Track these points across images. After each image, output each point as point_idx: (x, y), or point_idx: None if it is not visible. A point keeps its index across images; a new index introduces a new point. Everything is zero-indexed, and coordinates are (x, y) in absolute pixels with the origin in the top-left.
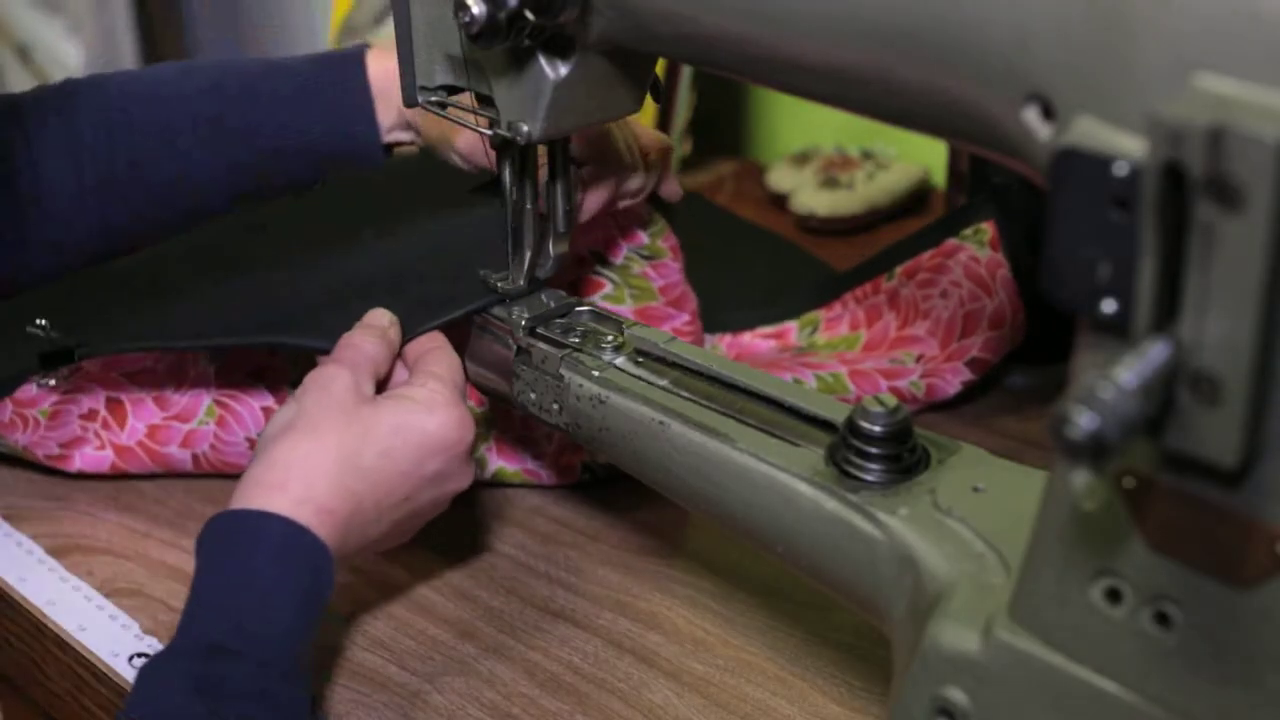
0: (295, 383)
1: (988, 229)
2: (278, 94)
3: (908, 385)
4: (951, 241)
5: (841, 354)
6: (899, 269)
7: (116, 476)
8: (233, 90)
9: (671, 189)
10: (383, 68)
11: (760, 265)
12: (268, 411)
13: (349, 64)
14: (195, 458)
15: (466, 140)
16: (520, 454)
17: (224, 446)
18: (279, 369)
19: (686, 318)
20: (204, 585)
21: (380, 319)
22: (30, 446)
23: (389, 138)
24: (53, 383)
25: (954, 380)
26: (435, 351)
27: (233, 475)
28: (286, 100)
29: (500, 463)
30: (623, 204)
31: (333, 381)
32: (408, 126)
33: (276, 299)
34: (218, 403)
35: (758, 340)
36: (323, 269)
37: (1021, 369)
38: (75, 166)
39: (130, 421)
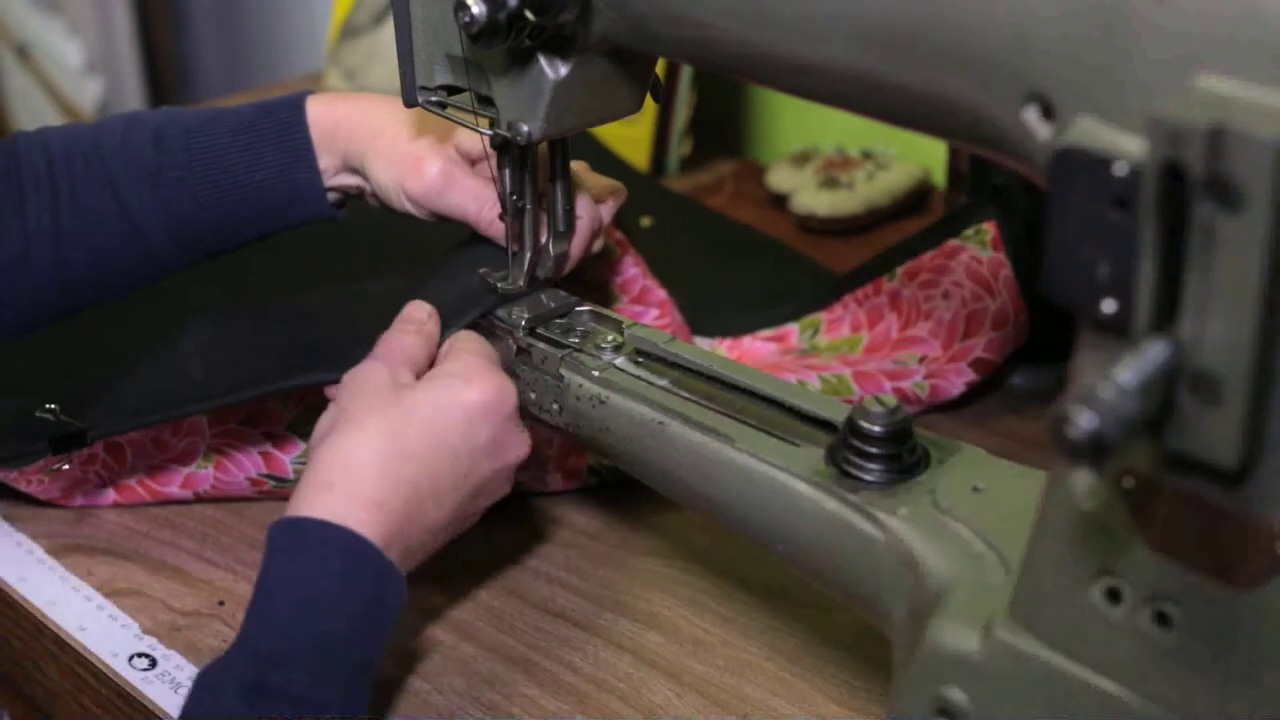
0: (291, 424)
1: (989, 229)
2: (218, 143)
3: (911, 386)
4: (953, 242)
5: (844, 355)
6: (900, 270)
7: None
8: (174, 140)
9: (599, 242)
10: (324, 113)
11: (758, 269)
12: (266, 456)
13: (287, 110)
14: (197, 495)
15: (422, 184)
16: (524, 465)
17: (225, 486)
18: (271, 413)
19: (655, 312)
20: (263, 591)
21: (418, 312)
22: (34, 493)
23: (332, 182)
24: (66, 466)
25: (958, 381)
26: (464, 336)
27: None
28: (226, 149)
29: None
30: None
31: (369, 377)
32: (354, 171)
33: (276, 341)
34: (214, 449)
35: (759, 343)
36: (317, 300)
37: (1023, 368)
38: (20, 221)
39: (130, 462)
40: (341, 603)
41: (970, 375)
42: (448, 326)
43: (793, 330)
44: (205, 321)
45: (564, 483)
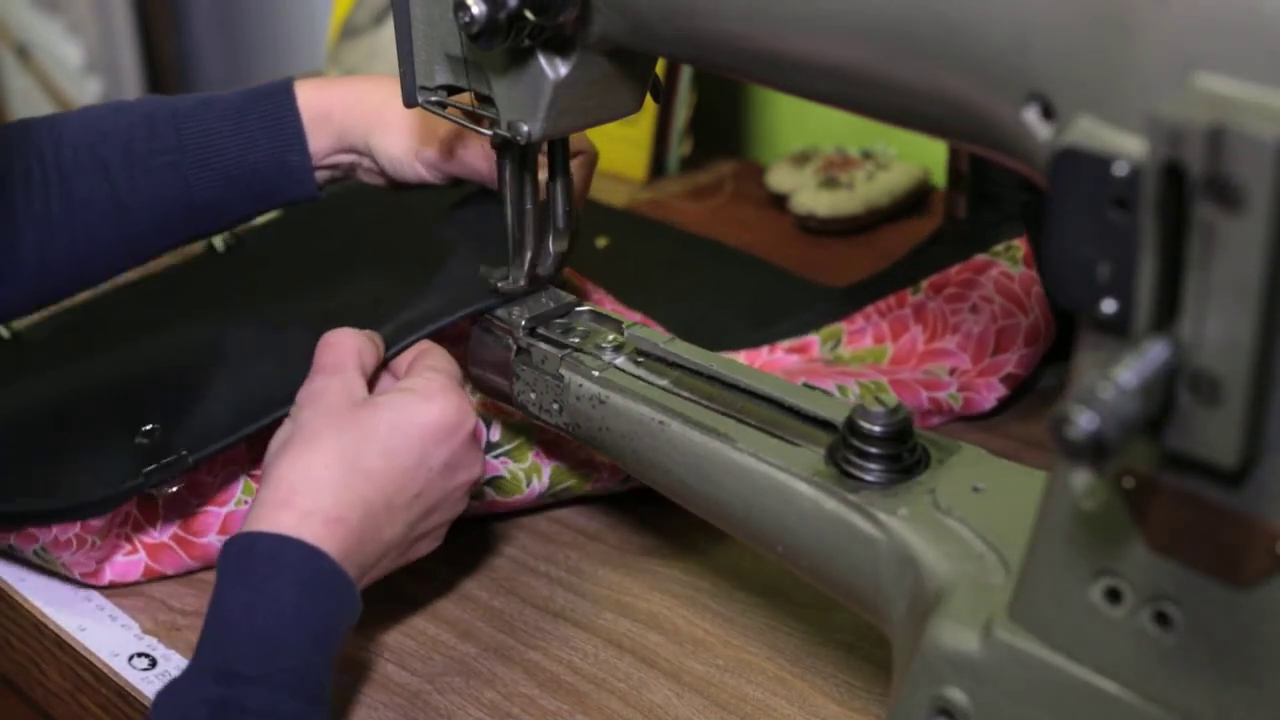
0: None
1: (1020, 246)
2: (207, 127)
3: (946, 397)
4: (981, 257)
5: (874, 365)
6: (925, 283)
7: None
8: (163, 125)
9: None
10: (315, 96)
11: (734, 276)
12: None
13: (277, 94)
14: None
15: (436, 147)
16: (571, 451)
17: None
18: None
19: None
20: (222, 609)
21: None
22: (69, 565)
23: (324, 163)
24: (174, 489)
25: (989, 396)
26: (429, 351)
27: None
28: (216, 132)
29: (554, 462)
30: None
31: (324, 391)
32: (349, 150)
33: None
34: (254, 477)
35: (779, 354)
36: (334, 297)
37: (1045, 370)
38: (7, 204)
39: (162, 515)
40: (303, 617)
41: (1002, 390)
42: (441, 317)
43: (814, 341)
44: (249, 329)
45: (609, 479)
